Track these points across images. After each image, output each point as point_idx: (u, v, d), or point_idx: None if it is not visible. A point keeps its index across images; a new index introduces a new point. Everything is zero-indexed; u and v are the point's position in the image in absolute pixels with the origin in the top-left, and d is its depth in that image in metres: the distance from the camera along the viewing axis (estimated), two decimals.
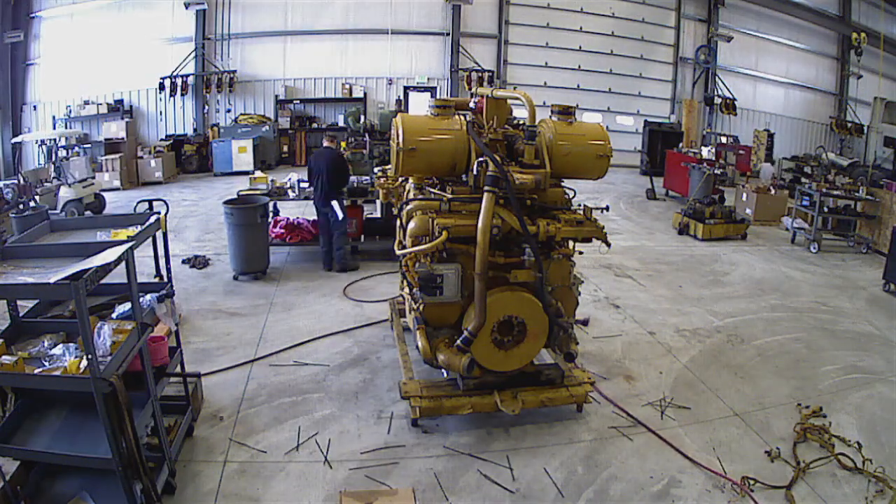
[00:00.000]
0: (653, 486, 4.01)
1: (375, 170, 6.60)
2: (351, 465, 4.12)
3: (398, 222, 4.96)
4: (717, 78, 18.52)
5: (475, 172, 4.23)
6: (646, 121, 17.39)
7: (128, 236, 3.63)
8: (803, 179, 14.73)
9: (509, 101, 4.97)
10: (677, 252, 9.65)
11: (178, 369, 4.19)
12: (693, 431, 4.67)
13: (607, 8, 17.80)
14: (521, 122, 4.78)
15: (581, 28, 17.57)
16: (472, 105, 5.04)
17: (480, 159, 4.23)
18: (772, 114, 19.12)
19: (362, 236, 8.62)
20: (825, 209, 10.29)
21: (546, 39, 17.11)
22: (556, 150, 4.51)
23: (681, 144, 15.77)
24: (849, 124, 19.21)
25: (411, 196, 4.54)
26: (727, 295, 7.59)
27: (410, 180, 4.94)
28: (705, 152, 14.35)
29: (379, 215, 9.36)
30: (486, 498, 3.86)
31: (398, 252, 4.35)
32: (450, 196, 4.33)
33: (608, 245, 4.58)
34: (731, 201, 11.92)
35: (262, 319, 6.43)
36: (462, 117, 4.60)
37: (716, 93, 18.60)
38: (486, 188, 4.07)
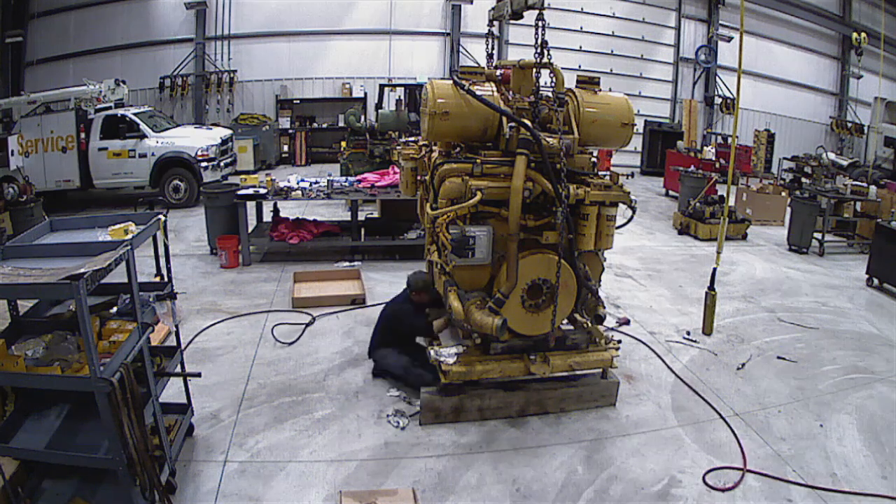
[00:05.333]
0: (653, 486, 4.01)
1: (401, 140, 6.61)
2: (351, 465, 4.12)
3: (424, 189, 5.10)
4: (717, 78, 18.52)
5: (507, 136, 4.34)
6: (646, 121, 17.37)
7: (125, 230, 3.63)
8: (804, 180, 14.72)
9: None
10: (678, 252, 9.64)
11: (178, 369, 4.18)
12: (693, 431, 4.67)
13: (607, 8, 17.79)
14: (546, 94, 4.82)
15: (581, 28, 17.56)
16: (497, 75, 5.07)
17: (512, 124, 4.32)
18: (772, 114, 19.09)
19: (362, 235, 8.62)
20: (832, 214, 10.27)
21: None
22: (583, 116, 4.61)
23: (680, 143, 15.73)
24: (849, 124, 19.20)
25: (439, 162, 4.58)
26: (727, 295, 7.58)
27: (435, 149, 5.01)
28: (707, 152, 14.35)
29: (378, 215, 9.38)
30: (487, 498, 3.86)
31: (431, 213, 4.36)
32: (482, 158, 4.40)
33: (633, 210, 4.66)
34: (732, 201, 11.91)
35: (262, 319, 6.42)
36: (493, 84, 4.69)
37: (716, 93, 18.60)
38: (518, 150, 4.21)
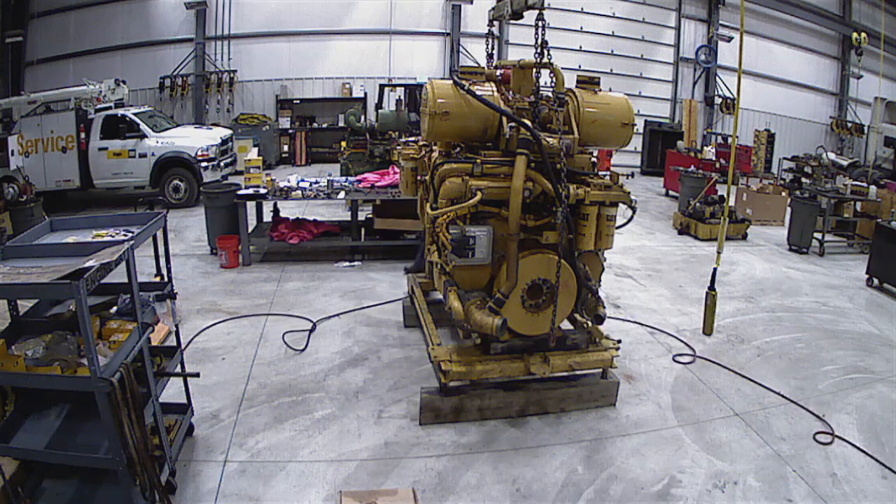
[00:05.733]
0: (653, 486, 4.01)
1: (401, 140, 6.55)
2: (351, 465, 4.12)
3: (424, 189, 5.09)
4: (717, 78, 18.52)
5: (507, 136, 4.34)
6: (646, 121, 17.37)
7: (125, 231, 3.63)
8: (804, 179, 14.72)
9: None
10: (678, 252, 9.64)
11: (178, 369, 4.18)
12: (693, 431, 4.67)
13: (607, 8, 17.79)
14: (546, 94, 4.83)
15: (581, 28, 17.56)
16: (497, 75, 5.07)
17: (512, 124, 4.33)
18: (772, 114, 19.10)
19: (362, 235, 8.63)
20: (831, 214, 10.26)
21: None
22: (583, 116, 4.61)
23: (680, 143, 15.72)
24: (849, 124, 19.20)
25: (439, 162, 4.58)
26: (727, 295, 7.58)
27: (435, 149, 5.00)
28: (707, 152, 14.35)
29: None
30: (487, 498, 3.86)
31: (431, 214, 4.37)
32: (482, 158, 4.39)
33: (633, 210, 4.66)
34: (731, 201, 11.90)
35: (262, 319, 6.42)
36: (493, 84, 4.70)
37: (716, 93, 18.60)
38: (518, 150, 4.21)
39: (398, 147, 6.19)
